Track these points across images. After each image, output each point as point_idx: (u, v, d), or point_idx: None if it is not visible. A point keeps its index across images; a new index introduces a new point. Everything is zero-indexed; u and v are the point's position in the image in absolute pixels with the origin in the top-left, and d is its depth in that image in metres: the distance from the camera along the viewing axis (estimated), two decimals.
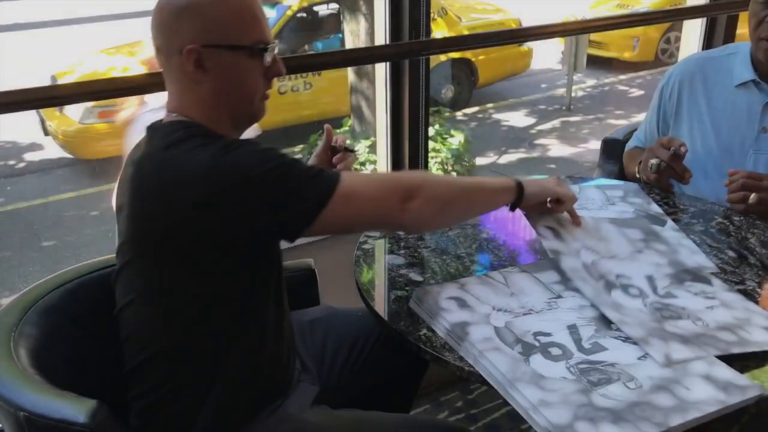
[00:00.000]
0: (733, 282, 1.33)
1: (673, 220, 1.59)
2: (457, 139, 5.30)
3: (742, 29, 2.15)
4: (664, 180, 1.69)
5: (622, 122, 7.04)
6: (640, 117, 2.20)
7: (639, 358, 1.08)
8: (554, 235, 1.39)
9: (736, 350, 1.11)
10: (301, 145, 5.80)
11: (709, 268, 1.37)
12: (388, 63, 2.12)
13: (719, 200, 1.66)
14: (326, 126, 1.54)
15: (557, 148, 6.03)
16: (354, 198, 1.15)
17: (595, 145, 6.20)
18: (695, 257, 1.40)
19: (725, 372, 1.05)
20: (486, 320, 1.18)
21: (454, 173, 5.27)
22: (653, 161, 1.66)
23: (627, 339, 1.13)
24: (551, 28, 2.79)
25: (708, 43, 2.81)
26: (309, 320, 1.53)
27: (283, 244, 1.24)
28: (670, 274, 1.33)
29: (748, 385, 1.02)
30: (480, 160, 5.67)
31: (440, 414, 2.14)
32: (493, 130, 6.57)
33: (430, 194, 1.19)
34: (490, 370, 1.06)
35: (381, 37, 2.14)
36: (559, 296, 1.25)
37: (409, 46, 1.98)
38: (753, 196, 1.54)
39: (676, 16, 2.86)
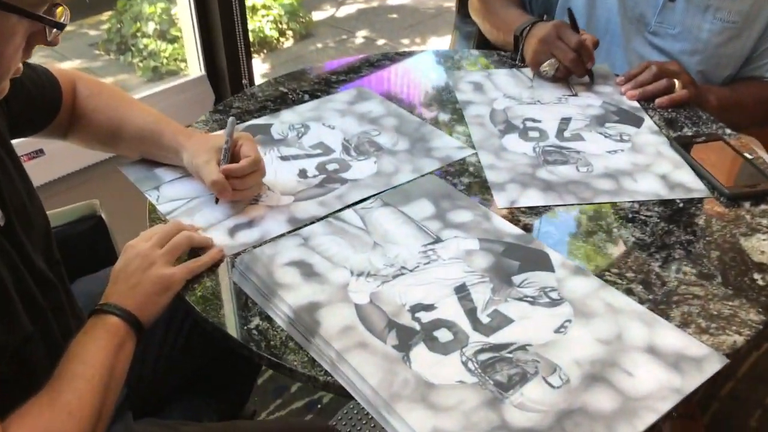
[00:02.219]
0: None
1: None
2: None
3: None
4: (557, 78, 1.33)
5: None
6: None
7: (557, 330, 0.78)
8: (474, 88, 1.31)
9: (600, 200, 1.01)
10: (108, 12, 4.96)
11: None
12: None
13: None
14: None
15: None
16: None
17: None
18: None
19: (672, 336, 0.77)
20: (343, 295, 0.82)
21: (290, 32, 4.73)
22: (549, 65, 1.28)
23: (536, 299, 0.82)
24: None
25: None
26: (101, 292, 1.11)
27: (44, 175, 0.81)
28: (594, 115, 1.22)
29: (704, 355, 0.75)
30: (317, 15, 5.12)
31: None
32: None
33: None
34: (356, 384, 0.72)
35: None
36: (438, 239, 0.91)
37: None
38: (678, 84, 1.24)
39: None
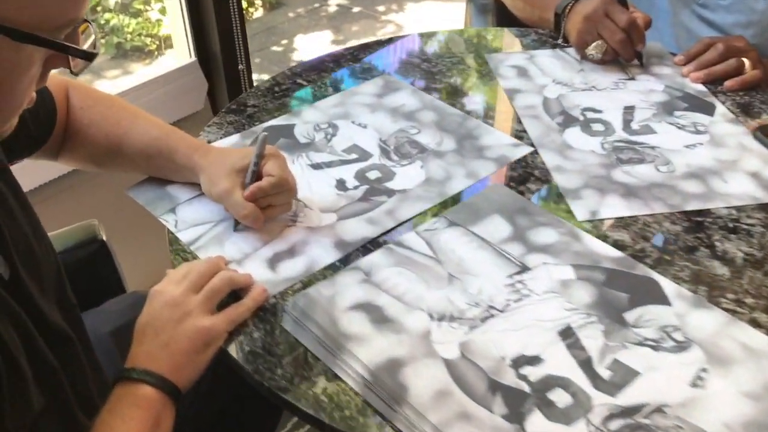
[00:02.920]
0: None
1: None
2: None
3: None
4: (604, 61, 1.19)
5: None
6: None
7: (693, 384, 0.65)
8: (518, 73, 1.16)
9: (691, 207, 0.88)
10: None
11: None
12: None
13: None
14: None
15: None
16: None
17: None
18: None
19: None
20: (426, 347, 0.68)
21: (259, 2, 4.49)
22: (595, 48, 1.14)
23: (659, 342, 0.68)
24: None
25: None
26: (111, 331, 0.96)
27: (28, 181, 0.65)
28: (660, 102, 1.08)
29: None
30: None
31: None
32: None
33: None
34: None
35: None
36: (524, 268, 0.77)
37: None
38: (748, 64, 1.11)
39: None
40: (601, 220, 0.86)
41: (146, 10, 4.06)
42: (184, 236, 0.84)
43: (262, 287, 0.76)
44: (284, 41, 4.23)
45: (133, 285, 1.09)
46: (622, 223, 0.85)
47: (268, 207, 0.83)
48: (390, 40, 1.26)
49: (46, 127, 0.84)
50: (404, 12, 4.38)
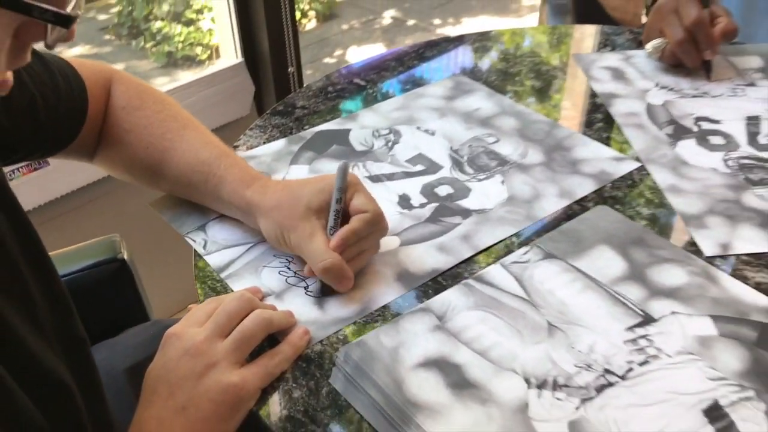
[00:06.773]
0: None
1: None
2: None
3: None
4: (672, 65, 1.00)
5: None
6: None
7: None
8: (614, 76, 0.99)
9: None
10: None
11: None
12: None
13: None
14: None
15: None
16: None
17: None
18: None
19: None
20: (524, 425, 0.51)
21: (312, 13, 4.39)
22: (653, 46, 0.97)
23: None
24: None
25: None
26: (127, 368, 0.80)
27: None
28: None
29: None
30: None
31: None
32: None
33: None
34: None
35: None
36: (648, 318, 0.59)
37: None
38: None
39: None
40: (737, 256, 0.67)
41: (198, 20, 3.99)
42: (213, 260, 0.69)
43: (303, 329, 0.60)
44: (337, 53, 4.12)
45: (158, 312, 0.95)
46: (764, 260, 0.67)
47: (358, 254, 0.65)
48: (461, 38, 1.09)
49: (68, 123, 0.69)
50: (460, 25, 4.23)
